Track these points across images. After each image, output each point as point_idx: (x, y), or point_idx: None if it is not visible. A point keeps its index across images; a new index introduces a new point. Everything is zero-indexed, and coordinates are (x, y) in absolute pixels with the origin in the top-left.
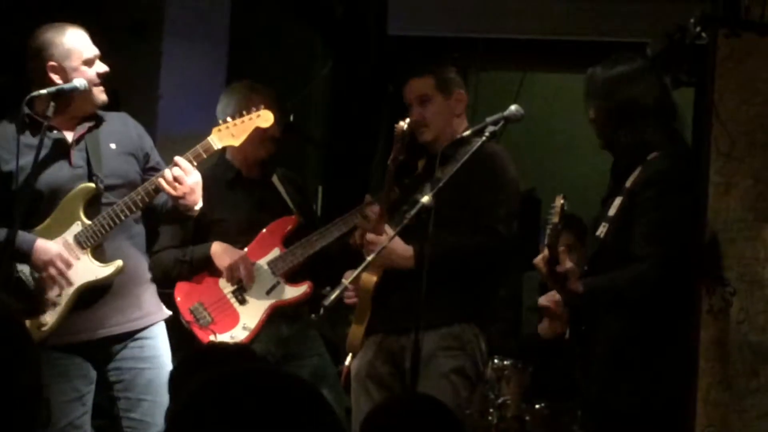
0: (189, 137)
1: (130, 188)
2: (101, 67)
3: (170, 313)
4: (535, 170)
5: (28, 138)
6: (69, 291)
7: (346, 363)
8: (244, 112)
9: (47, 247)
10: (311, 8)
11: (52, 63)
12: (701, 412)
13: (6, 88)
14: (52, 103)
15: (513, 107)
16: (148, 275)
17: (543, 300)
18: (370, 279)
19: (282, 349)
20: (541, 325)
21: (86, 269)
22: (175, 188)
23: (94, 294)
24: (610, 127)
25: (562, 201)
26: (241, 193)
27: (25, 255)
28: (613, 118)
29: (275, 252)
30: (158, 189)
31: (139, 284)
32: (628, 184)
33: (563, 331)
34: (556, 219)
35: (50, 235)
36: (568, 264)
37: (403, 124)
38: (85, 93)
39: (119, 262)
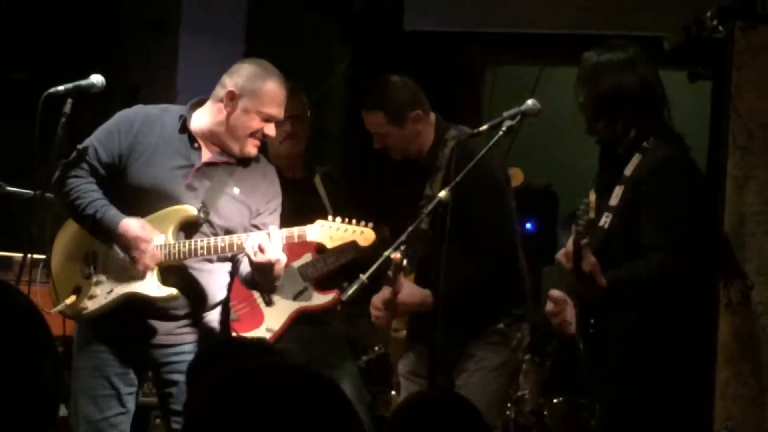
0: None
1: (229, 233)
2: (270, 130)
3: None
4: (552, 165)
5: (173, 136)
6: (119, 292)
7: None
8: (354, 221)
9: (128, 227)
10: (328, 3)
11: (233, 89)
12: (720, 406)
13: (24, 85)
14: (69, 100)
15: (530, 102)
16: (212, 309)
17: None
18: (399, 335)
19: (304, 350)
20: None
21: (145, 281)
22: (255, 254)
23: (145, 306)
24: (596, 113)
25: (594, 197)
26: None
27: (110, 232)
28: (599, 104)
29: (307, 257)
30: (241, 247)
31: (197, 314)
32: (628, 172)
33: (569, 326)
34: (592, 214)
35: None
36: (592, 259)
37: (399, 255)
38: (236, 136)
39: (174, 291)
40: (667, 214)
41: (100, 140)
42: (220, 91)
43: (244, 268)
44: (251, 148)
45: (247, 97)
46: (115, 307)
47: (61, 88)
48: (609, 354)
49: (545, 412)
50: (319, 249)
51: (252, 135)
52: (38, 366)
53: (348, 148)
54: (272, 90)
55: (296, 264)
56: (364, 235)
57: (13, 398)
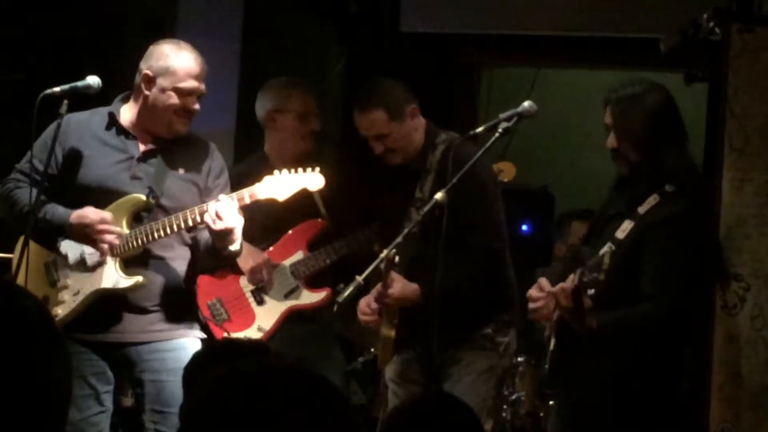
0: (202, 134)
1: None
2: (192, 104)
3: (202, 335)
4: (549, 166)
5: (105, 134)
6: (86, 291)
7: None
8: (300, 170)
9: (83, 213)
10: (325, 4)
11: (147, 72)
12: (715, 409)
13: (19, 85)
14: (65, 101)
15: (526, 103)
16: (184, 297)
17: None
18: (389, 334)
19: (295, 349)
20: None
21: (109, 276)
22: (213, 222)
23: (114, 301)
24: (626, 148)
25: (609, 259)
26: None
27: (62, 227)
28: (630, 139)
29: (299, 255)
30: (197, 219)
31: (168, 303)
32: (641, 210)
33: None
34: (602, 277)
35: None
36: (587, 302)
37: (393, 253)
38: (161, 117)
39: (139, 278)
40: (669, 267)
41: (37, 155)
42: (138, 79)
43: (205, 243)
44: (179, 126)
45: (161, 77)
46: (86, 307)
47: (57, 89)
48: (588, 374)
49: (541, 414)
50: (311, 247)
51: (176, 113)
52: (46, 369)
53: (344, 148)
54: (185, 64)
55: (287, 262)
56: (312, 180)
57: (21, 402)
